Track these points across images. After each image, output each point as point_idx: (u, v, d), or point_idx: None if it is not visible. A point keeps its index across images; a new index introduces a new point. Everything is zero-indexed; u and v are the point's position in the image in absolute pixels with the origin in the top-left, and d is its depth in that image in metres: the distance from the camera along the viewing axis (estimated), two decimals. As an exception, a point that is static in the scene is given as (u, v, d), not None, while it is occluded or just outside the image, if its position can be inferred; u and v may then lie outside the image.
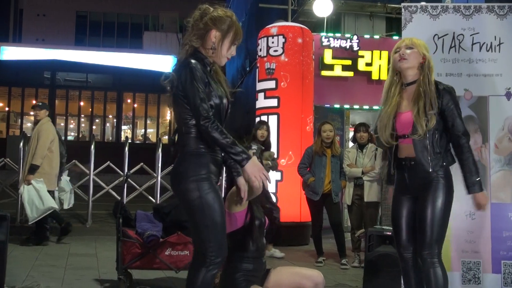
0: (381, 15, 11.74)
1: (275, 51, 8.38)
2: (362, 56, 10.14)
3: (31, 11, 32.39)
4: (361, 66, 10.14)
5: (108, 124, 26.72)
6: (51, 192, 7.26)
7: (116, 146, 17.96)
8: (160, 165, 9.49)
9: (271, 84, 8.36)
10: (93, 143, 9.43)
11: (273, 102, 8.31)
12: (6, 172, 12.76)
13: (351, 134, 8.50)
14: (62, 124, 25.71)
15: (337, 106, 10.22)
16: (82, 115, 26.13)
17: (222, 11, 3.03)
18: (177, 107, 2.94)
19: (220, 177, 3.12)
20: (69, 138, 25.05)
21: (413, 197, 3.51)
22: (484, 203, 3.50)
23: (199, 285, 2.84)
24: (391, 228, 3.78)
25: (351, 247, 6.76)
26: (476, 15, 4.56)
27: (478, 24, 4.54)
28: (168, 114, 26.39)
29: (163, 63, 28.18)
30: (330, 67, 10.08)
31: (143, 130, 26.98)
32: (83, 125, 26.39)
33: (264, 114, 8.35)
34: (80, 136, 25.87)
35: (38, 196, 6.87)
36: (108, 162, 10.23)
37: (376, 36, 10.76)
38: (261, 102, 8.50)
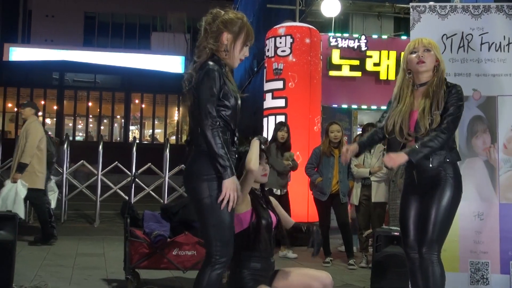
0: (389, 15, 11.70)
1: (283, 51, 8.37)
2: (370, 56, 10.10)
3: (40, 12, 32.59)
4: (369, 66, 10.10)
5: (116, 125, 26.77)
6: (42, 191, 7.21)
7: (124, 147, 17.97)
8: (167, 165, 9.52)
9: (278, 84, 8.36)
10: (101, 144, 9.49)
11: (281, 103, 8.30)
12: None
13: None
14: (71, 124, 25.82)
15: (345, 106, 10.20)
16: (90, 116, 26.18)
17: (233, 14, 3.09)
18: (192, 107, 2.98)
19: None
20: (77, 138, 25.11)
21: (422, 197, 3.51)
22: (391, 165, 3.43)
23: (205, 285, 2.86)
24: (399, 229, 3.78)
25: (359, 247, 6.75)
26: (485, 14, 4.54)
27: (487, 24, 4.52)
28: (175, 115, 26.42)
29: (171, 63, 28.31)
30: (338, 67, 10.05)
31: (150, 131, 27.01)
32: (91, 125, 26.43)
33: (271, 115, 8.35)
34: (88, 136, 25.95)
35: (14, 198, 6.74)
36: (116, 162, 10.26)
37: (384, 36, 10.72)
38: (269, 102, 8.49)
